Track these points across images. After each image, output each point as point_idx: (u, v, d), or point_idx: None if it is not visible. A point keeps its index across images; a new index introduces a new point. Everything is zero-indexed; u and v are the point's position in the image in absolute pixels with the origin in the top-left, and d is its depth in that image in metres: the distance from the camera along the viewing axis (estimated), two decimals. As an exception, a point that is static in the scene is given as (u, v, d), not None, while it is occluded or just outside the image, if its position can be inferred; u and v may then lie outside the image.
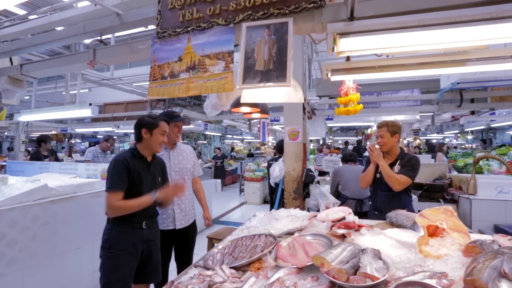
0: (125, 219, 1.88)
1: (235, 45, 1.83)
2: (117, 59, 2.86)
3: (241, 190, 9.16)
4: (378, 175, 2.51)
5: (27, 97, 9.76)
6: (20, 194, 2.42)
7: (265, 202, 8.21)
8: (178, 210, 2.42)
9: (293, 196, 3.30)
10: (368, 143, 15.55)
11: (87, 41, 3.66)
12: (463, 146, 13.40)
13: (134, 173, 1.90)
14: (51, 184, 2.74)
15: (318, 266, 1.20)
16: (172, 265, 2.53)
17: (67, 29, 3.04)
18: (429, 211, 1.57)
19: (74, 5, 3.77)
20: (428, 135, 15.74)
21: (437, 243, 1.33)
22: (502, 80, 4.21)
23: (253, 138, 19.73)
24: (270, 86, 1.54)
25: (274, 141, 15.35)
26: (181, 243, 2.49)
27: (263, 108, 2.78)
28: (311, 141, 8.82)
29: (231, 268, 1.37)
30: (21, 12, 5.94)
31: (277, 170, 3.64)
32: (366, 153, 10.19)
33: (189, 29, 1.98)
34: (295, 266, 1.29)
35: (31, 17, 3.76)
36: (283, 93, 1.79)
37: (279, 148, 4.04)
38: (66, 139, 14.05)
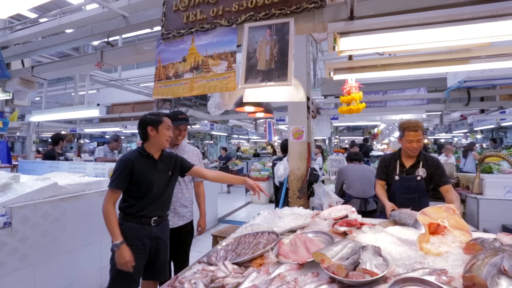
0: (134, 215, 1.94)
1: (238, 46, 1.86)
2: (124, 60, 2.93)
3: (247, 190, 9.19)
4: (397, 177, 2.40)
5: (38, 98, 9.98)
6: (31, 192, 2.50)
7: (270, 201, 8.22)
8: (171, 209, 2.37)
9: (298, 195, 3.32)
10: (374, 142, 15.44)
11: (95, 42, 3.75)
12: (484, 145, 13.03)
13: (139, 172, 1.92)
14: (61, 182, 2.82)
15: (318, 262, 1.22)
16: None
17: (76, 31, 3.12)
18: (431, 209, 1.57)
19: (82, 7, 3.86)
20: (436, 135, 15.51)
21: (438, 241, 1.34)
22: (511, 78, 4.14)
23: (259, 138, 19.74)
24: (272, 86, 1.57)
25: (279, 141, 15.33)
26: (175, 243, 2.44)
27: (266, 108, 2.80)
28: (316, 140, 8.79)
29: (233, 264, 1.40)
30: (33, 15, 6.09)
31: (282, 169, 3.66)
32: (373, 153, 10.09)
33: (193, 30, 2.02)
34: (296, 262, 1.32)
35: (41, 20, 3.87)
36: (284, 92, 1.82)
37: (284, 148, 4.06)
38: (75, 139, 14.34)
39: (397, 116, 6.87)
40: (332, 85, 5.93)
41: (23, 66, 3.83)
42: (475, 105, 5.85)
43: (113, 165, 3.88)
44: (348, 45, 1.55)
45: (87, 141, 18.15)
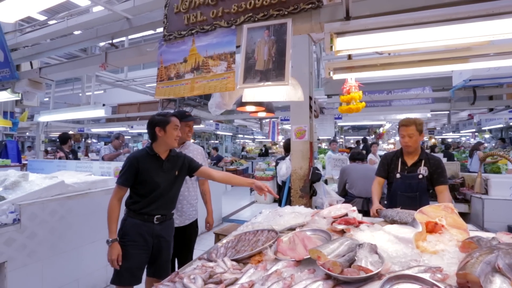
0: (138, 211, 1.99)
1: (237, 46, 1.89)
2: (127, 62, 2.98)
3: (251, 189, 9.22)
4: (398, 175, 2.39)
5: (46, 99, 10.19)
6: (39, 190, 2.58)
7: (275, 201, 8.23)
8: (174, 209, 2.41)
9: (300, 194, 3.33)
10: (380, 142, 15.30)
11: (102, 43, 3.84)
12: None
13: (144, 171, 1.97)
14: (68, 181, 2.90)
15: (315, 259, 1.24)
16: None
17: (81, 34, 3.20)
18: (429, 208, 1.57)
19: (89, 9, 3.94)
20: (443, 134, 15.30)
21: (434, 239, 1.34)
22: (518, 76, 4.07)
23: (264, 137, 19.77)
24: (269, 85, 1.59)
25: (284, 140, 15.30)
26: (179, 242, 2.48)
27: (268, 107, 2.82)
28: (318, 139, 8.78)
29: (232, 260, 1.43)
30: (42, 17, 6.23)
31: (284, 168, 3.68)
32: (378, 152, 10.01)
33: (193, 31, 2.05)
34: (294, 259, 1.34)
35: (50, 22, 3.96)
36: (282, 92, 1.84)
37: (286, 147, 4.07)
38: (83, 139, 14.58)
39: (401, 116, 6.81)
40: (336, 85, 5.89)
41: (32, 67, 3.93)
42: (482, 104, 5.76)
43: (118, 164, 3.97)
44: (345, 45, 1.57)
45: (94, 140, 18.43)
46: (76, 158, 5.83)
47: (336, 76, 2.07)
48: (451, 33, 1.39)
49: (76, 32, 3.62)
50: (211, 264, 1.42)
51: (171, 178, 2.10)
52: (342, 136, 16.26)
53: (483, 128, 10.01)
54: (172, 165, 2.10)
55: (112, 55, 2.82)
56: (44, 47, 3.56)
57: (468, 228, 1.47)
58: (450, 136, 16.77)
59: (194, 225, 2.56)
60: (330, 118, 7.00)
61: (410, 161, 2.39)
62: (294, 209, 2.25)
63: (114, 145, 5.41)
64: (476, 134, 13.61)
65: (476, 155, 6.68)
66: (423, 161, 2.34)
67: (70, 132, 10.73)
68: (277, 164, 4.21)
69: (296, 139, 3.30)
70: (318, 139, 9.29)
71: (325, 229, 1.66)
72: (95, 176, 3.54)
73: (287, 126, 12.85)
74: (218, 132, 14.51)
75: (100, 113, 5.71)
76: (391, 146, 15.70)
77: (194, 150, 2.56)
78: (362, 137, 12.62)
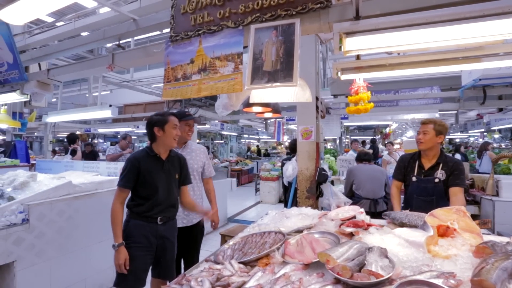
0: (141, 213, 1.97)
1: (244, 47, 1.87)
2: (134, 63, 3.00)
3: (257, 189, 9.21)
4: (414, 179, 2.32)
5: (54, 100, 10.32)
6: (47, 190, 2.60)
7: (280, 201, 8.21)
8: (180, 209, 2.38)
9: (306, 195, 3.30)
10: (386, 142, 15.14)
11: (109, 44, 3.86)
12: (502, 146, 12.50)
13: (145, 172, 1.95)
14: (75, 181, 2.92)
15: (323, 262, 1.22)
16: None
17: (89, 35, 3.22)
18: (440, 211, 1.54)
19: (96, 11, 3.97)
20: (451, 134, 15.09)
21: (447, 243, 1.31)
22: (529, 75, 3.97)
23: (269, 137, 19.74)
24: (277, 86, 1.58)
25: (289, 141, 15.30)
26: (186, 242, 2.48)
27: (274, 108, 2.80)
28: (325, 140, 8.70)
29: (240, 263, 1.41)
30: (50, 19, 6.31)
31: (290, 169, 3.65)
32: (384, 153, 9.91)
33: (200, 32, 2.04)
34: (302, 263, 1.32)
35: (58, 24, 4.01)
36: (290, 93, 1.81)
37: (292, 148, 4.05)
38: (90, 139, 14.73)
39: (409, 116, 6.72)
40: (342, 85, 5.85)
41: (40, 69, 3.98)
42: (492, 103, 5.63)
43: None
44: (354, 45, 1.54)
45: (101, 141, 18.63)
46: (94, 159, 5.98)
47: (344, 77, 2.04)
48: (464, 33, 1.35)
49: (83, 34, 3.66)
50: (218, 266, 1.40)
51: (172, 179, 2.08)
52: (348, 136, 16.14)
53: (492, 128, 9.83)
54: (173, 167, 2.09)
55: (119, 56, 2.84)
56: (52, 49, 3.60)
57: (481, 232, 1.44)
58: (458, 136, 16.53)
59: (200, 224, 2.55)
60: (336, 118, 6.95)
61: (427, 164, 2.30)
62: (301, 210, 2.23)
63: (121, 146, 5.46)
64: (485, 134, 13.38)
65: (486, 155, 6.55)
66: (441, 165, 2.25)
67: (77, 132, 10.87)
68: (283, 164, 4.18)
69: (303, 139, 3.28)
70: (324, 140, 9.24)
71: (333, 232, 1.63)
72: (102, 177, 3.57)
73: (292, 126, 12.80)
74: (223, 132, 14.54)
75: (106, 113, 5.76)
76: (397, 146, 15.51)
77: (196, 150, 2.55)
78: (371, 138, 12.48)
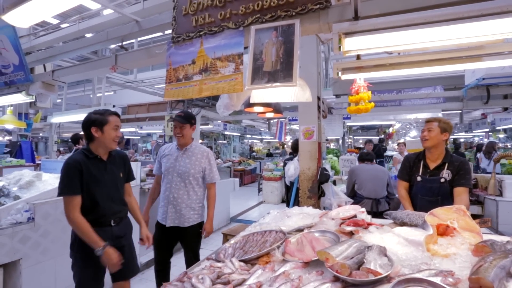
0: (93, 220, 1.81)
1: (245, 48, 1.89)
2: (137, 64, 3.03)
3: (260, 189, 9.23)
4: (419, 178, 2.29)
5: (59, 100, 10.43)
6: (52, 190, 2.65)
7: (283, 201, 8.22)
8: (173, 210, 2.43)
9: (308, 195, 3.31)
10: (389, 142, 15.07)
11: (112, 46, 3.91)
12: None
13: (89, 175, 1.80)
14: (79, 180, 2.95)
15: (323, 261, 1.24)
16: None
17: (92, 37, 3.27)
18: (440, 210, 1.54)
19: (100, 12, 4.02)
20: (456, 134, 14.96)
21: (446, 242, 1.32)
22: (534, 74, 3.93)
23: (272, 138, 19.75)
24: (277, 86, 1.59)
25: (292, 140, 15.30)
26: (184, 242, 2.54)
27: (276, 108, 2.81)
28: (327, 140, 8.68)
29: (240, 261, 1.43)
30: (55, 21, 6.39)
31: (292, 169, 3.66)
32: (387, 153, 9.86)
33: (201, 33, 2.07)
34: (302, 261, 1.33)
35: (62, 25, 4.07)
36: (290, 93, 1.83)
37: (294, 147, 4.06)
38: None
39: (411, 116, 6.69)
40: (345, 85, 5.83)
41: (45, 70, 4.04)
42: (496, 103, 5.58)
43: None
44: (353, 45, 1.55)
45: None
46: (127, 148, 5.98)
47: (345, 77, 2.05)
48: (463, 32, 1.35)
49: (87, 35, 3.70)
50: (219, 264, 1.42)
51: (118, 178, 1.99)
52: (351, 136, 16.09)
53: (497, 128, 9.74)
54: (116, 166, 1.98)
55: (122, 58, 2.87)
56: (57, 50, 3.66)
57: (481, 231, 1.44)
58: (462, 136, 16.38)
59: (196, 227, 2.51)
60: (338, 118, 6.94)
61: (432, 164, 2.27)
62: (302, 210, 2.24)
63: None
64: (490, 134, 13.25)
65: (496, 156, 6.46)
66: (446, 164, 2.21)
67: (81, 133, 10.97)
68: (285, 164, 4.20)
69: (304, 139, 3.29)
70: (327, 140, 9.22)
71: (333, 231, 1.65)
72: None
73: (295, 126, 12.80)
74: (226, 133, 14.58)
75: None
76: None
77: (198, 154, 2.48)
78: (379, 138, 12.40)
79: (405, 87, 5.88)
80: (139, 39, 6.67)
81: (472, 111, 9.84)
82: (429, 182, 2.26)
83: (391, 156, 8.41)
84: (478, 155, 7.51)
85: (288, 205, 3.95)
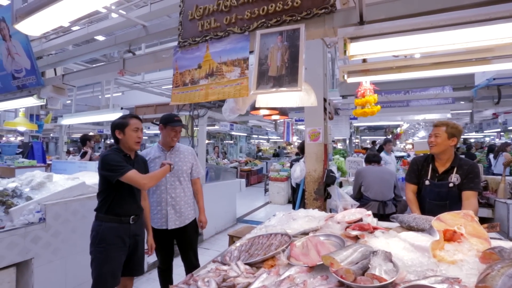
0: (114, 215, 2.02)
1: (250, 52, 1.90)
2: (144, 68, 3.08)
3: (266, 190, 9.24)
4: (427, 182, 2.26)
5: (69, 102, 10.63)
6: (62, 191, 2.71)
7: (289, 202, 8.21)
8: (172, 211, 2.47)
9: (314, 196, 3.31)
10: (398, 142, 14.87)
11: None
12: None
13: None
14: (88, 181, 3.02)
15: (327, 265, 1.24)
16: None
17: (100, 42, 3.34)
18: (448, 215, 1.52)
19: (109, 15, 4.10)
20: (465, 134, 14.67)
21: (453, 248, 1.30)
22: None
23: (279, 138, 19.71)
24: (282, 91, 1.60)
25: (299, 141, 15.27)
26: (181, 242, 2.56)
27: (281, 110, 2.82)
28: (334, 141, 8.62)
29: (246, 264, 1.45)
30: (65, 24, 6.51)
31: (298, 171, 3.67)
32: (396, 153, 9.74)
33: (207, 38, 2.09)
34: (307, 265, 1.34)
35: (73, 28, 4.16)
36: (295, 97, 1.83)
37: (302, 148, 4.06)
38: (103, 140, 15.13)
39: (420, 116, 6.58)
40: (351, 85, 5.77)
41: (55, 74, 4.13)
42: (508, 103, 5.44)
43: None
44: (359, 49, 1.54)
45: (113, 141, 19.06)
46: None
47: (351, 80, 2.04)
48: (470, 36, 1.33)
49: (96, 37, 3.77)
50: (224, 267, 1.44)
51: None
52: (358, 137, 15.94)
53: (509, 128, 9.51)
54: (139, 167, 2.17)
55: (129, 62, 2.93)
56: (67, 55, 3.74)
57: (489, 237, 1.42)
58: (473, 136, 16.05)
59: (193, 224, 2.61)
60: (345, 118, 6.88)
61: (441, 168, 2.24)
62: (308, 212, 2.24)
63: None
64: (502, 134, 12.95)
65: (502, 157, 6.35)
66: (455, 169, 2.17)
67: (90, 133, 11.17)
68: (291, 165, 4.20)
69: (310, 141, 3.28)
70: (333, 141, 9.16)
71: (338, 235, 1.64)
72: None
73: (301, 127, 12.74)
74: (233, 133, 14.62)
75: (118, 116, 5.89)
76: (409, 147, 15.21)
77: (184, 151, 2.62)
78: (385, 138, 12.26)
79: (412, 86, 5.79)
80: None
81: (483, 111, 9.63)
82: (437, 187, 2.23)
83: (398, 157, 8.32)
84: (490, 156, 7.37)
85: (294, 207, 3.95)
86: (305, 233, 1.80)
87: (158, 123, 2.56)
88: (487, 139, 16.97)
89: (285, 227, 1.91)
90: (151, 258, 3.73)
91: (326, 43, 2.02)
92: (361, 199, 3.60)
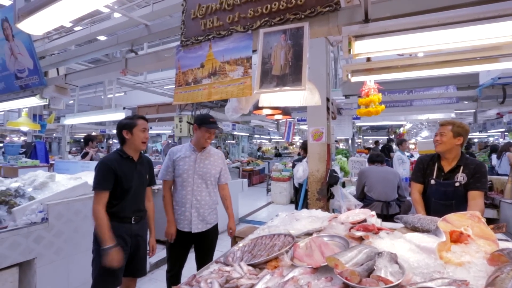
0: (115, 214, 2.00)
1: (253, 51, 1.88)
2: (146, 67, 3.08)
3: (268, 190, 9.22)
4: (432, 182, 2.23)
5: (71, 102, 10.68)
6: (64, 191, 2.71)
7: (291, 202, 8.18)
8: (196, 214, 2.39)
9: (317, 197, 3.29)
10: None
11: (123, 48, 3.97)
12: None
13: (121, 173, 2.00)
14: (91, 181, 3.01)
15: (332, 267, 1.22)
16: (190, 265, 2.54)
17: (103, 41, 3.33)
18: (454, 216, 1.50)
19: (111, 15, 4.10)
20: (469, 134, 14.55)
21: (460, 250, 1.28)
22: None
23: (281, 138, 19.70)
24: (286, 90, 1.58)
25: (301, 141, 15.24)
26: (201, 246, 2.48)
27: (284, 110, 2.80)
28: (336, 141, 8.58)
29: (249, 265, 1.43)
30: (68, 24, 6.54)
31: (301, 171, 3.64)
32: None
33: (210, 37, 2.07)
34: (310, 266, 1.32)
35: (75, 28, 4.17)
36: (299, 97, 1.81)
37: (305, 148, 4.03)
38: (105, 140, 15.18)
39: (423, 116, 6.54)
40: (354, 85, 5.75)
41: (58, 74, 4.14)
42: (511, 103, 5.39)
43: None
44: (364, 48, 1.52)
45: (115, 141, 19.13)
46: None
47: (355, 79, 2.02)
48: (478, 34, 1.30)
49: (99, 37, 3.77)
50: (227, 268, 1.42)
51: (144, 179, 2.18)
52: (361, 136, 15.88)
53: (513, 128, 9.43)
54: (143, 168, 2.19)
55: (131, 62, 2.92)
56: (69, 55, 3.75)
57: (497, 238, 1.39)
58: (476, 136, 15.94)
59: (215, 228, 2.55)
60: (348, 118, 6.85)
61: (447, 167, 2.21)
62: (311, 213, 2.22)
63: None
64: (506, 134, 12.83)
65: (505, 157, 6.29)
66: (461, 168, 2.14)
67: (93, 134, 11.22)
68: (294, 166, 4.18)
69: (313, 141, 3.26)
70: (336, 140, 9.13)
71: (343, 236, 1.62)
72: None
73: (303, 127, 12.71)
74: (235, 133, 14.61)
75: (120, 116, 5.91)
76: (412, 147, 15.12)
77: (215, 155, 2.54)
78: (388, 138, 12.21)
79: (416, 86, 5.75)
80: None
81: (487, 110, 9.55)
82: (443, 186, 2.21)
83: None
84: (493, 156, 7.31)
85: (296, 207, 3.93)
86: (308, 234, 1.78)
87: (192, 122, 2.50)
88: (491, 139, 16.84)
89: (288, 227, 1.89)
90: (153, 259, 3.72)
91: (330, 42, 1.99)
92: (364, 199, 3.58)
